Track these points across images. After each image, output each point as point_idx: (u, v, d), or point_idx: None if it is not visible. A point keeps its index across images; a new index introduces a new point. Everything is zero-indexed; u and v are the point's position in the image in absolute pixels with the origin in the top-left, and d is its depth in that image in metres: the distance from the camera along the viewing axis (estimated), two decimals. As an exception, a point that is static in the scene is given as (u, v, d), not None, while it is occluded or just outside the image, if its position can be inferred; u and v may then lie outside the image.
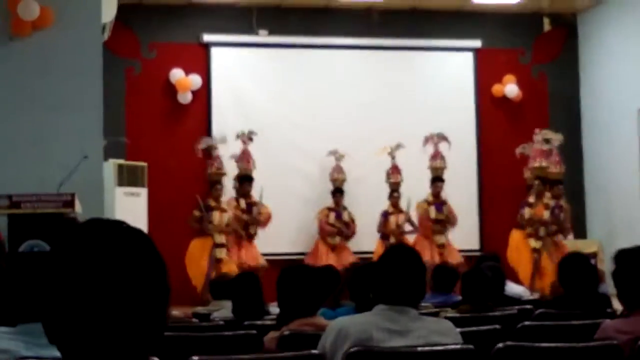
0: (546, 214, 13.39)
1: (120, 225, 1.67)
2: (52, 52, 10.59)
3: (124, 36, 13.68)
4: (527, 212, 13.46)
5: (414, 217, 13.66)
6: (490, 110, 15.19)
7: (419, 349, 3.58)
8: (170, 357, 3.20)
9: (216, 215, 12.92)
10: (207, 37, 14.39)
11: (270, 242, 13.53)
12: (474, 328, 4.55)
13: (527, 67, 15.46)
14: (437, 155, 13.77)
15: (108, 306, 1.58)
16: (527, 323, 4.68)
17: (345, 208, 13.87)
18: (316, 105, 14.50)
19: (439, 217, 13.47)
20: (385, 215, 13.65)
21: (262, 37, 14.50)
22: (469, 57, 15.34)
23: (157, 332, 1.64)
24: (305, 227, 14.01)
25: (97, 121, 10.71)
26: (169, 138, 13.72)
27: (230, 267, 12.60)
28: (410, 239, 13.53)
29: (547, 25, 15.57)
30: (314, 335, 3.99)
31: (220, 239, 12.92)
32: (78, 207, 8.90)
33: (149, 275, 1.63)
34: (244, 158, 13.40)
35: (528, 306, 6.06)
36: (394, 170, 13.81)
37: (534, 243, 13.35)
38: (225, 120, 14.13)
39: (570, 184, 14.14)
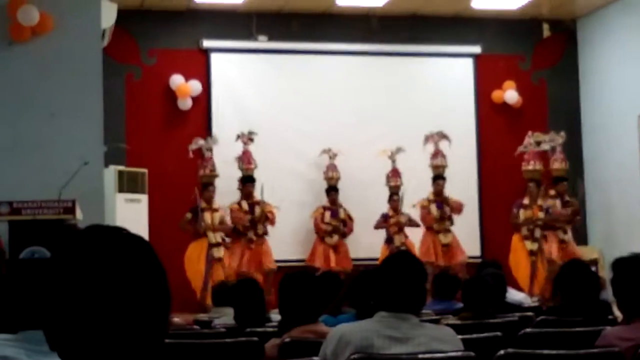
0: (541, 216, 13.41)
1: (120, 232, 1.67)
2: (52, 58, 10.60)
3: (123, 42, 13.69)
4: (522, 214, 13.48)
5: (416, 215, 13.65)
6: (490, 116, 15.19)
7: (420, 356, 3.58)
8: (171, 365, 3.19)
9: (207, 216, 12.90)
10: (207, 43, 14.40)
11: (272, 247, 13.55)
12: (475, 335, 4.54)
13: (527, 73, 15.46)
14: (437, 154, 13.80)
15: (109, 313, 1.57)
16: (528, 330, 4.67)
17: (341, 206, 13.86)
18: (316, 111, 14.50)
19: (440, 215, 13.49)
20: (385, 217, 13.65)
21: (262, 43, 14.51)
22: (468, 63, 15.34)
23: (158, 339, 1.64)
24: (305, 231, 14.00)
25: (97, 127, 10.71)
26: (169, 144, 13.71)
27: (231, 269, 12.64)
28: (414, 233, 13.51)
29: (546, 31, 15.57)
30: (315, 342, 3.99)
31: (216, 238, 12.91)
32: (78, 213, 8.91)
33: (149, 282, 1.62)
34: (245, 159, 13.41)
35: (529, 313, 6.06)
36: (394, 173, 13.82)
37: (530, 245, 13.37)
38: (225, 126, 14.13)
39: (570, 190, 14.13)
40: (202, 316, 7.49)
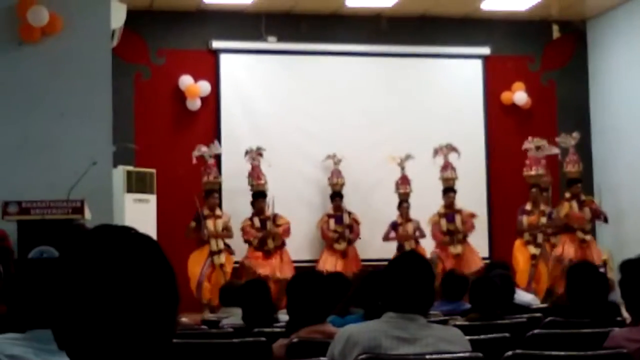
0: (543, 221, 13.40)
1: (129, 232, 1.67)
2: (62, 58, 10.61)
3: (133, 42, 13.71)
4: (525, 219, 13.48)
5: (426, 228, 13.62)
6: (499, 118, 15.17)
7: (428, 356, 3.58)
8: (179, 364, 3.20)
9: (210, 223, 12.88)
10: (216, 44, 14.41)
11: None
12: (483, 336, 4.54)
13: (537, 75, 15.44)
14: (447, 167, 13.72)
15: (117, 312, 1.58)
16: (536, 331, 4.67)
17: (345, 210, 13.84)
18: (324, 112, 14.50)
19: (450, 228, 13.43)
20: (395, 225, 13.62)
21: (271, 43, 14.51)
22: (478, 64, 15.33)
23: (166, 338, 1.64)
24: (315, 233, 14.00)
25: (106, 127, 10.72)
26: (178, 144, 13.72)
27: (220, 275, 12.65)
28: (424, 246, 13.49)
29: (556, 32, 15.54)
30: (323, 342, 3.99)
31: (218, 245, 12.88)
32: (87, 213, 8.92)
33: (157, 281, 1.63)
34: (255, 174, 13.37)
35: (537, 314, 6.05)
36: (403, 180, 13.77)
37: (532, 249, 13.36)
38: (234, 127, 14.15)
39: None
40: (210, 316, 7.51)
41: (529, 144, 13.84)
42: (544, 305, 7.89)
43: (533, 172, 13.66)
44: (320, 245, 13.92)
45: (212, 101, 14.36)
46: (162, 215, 12.89)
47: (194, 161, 13.17)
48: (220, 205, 13.69)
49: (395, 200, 13.75)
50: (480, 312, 5.70)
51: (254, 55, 14.62)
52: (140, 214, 12.31)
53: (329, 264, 13.36)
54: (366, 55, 14.91)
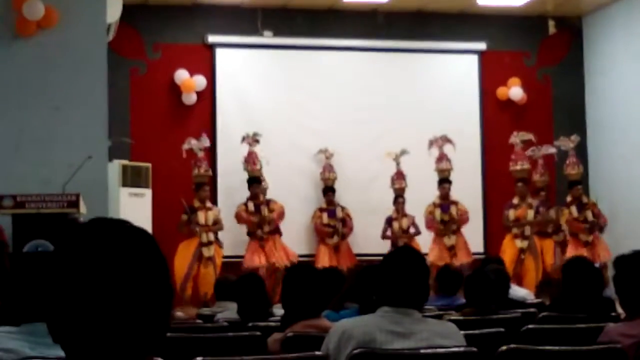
0: (530, 214, 13.48)
1: (124, 225, 1.67)
2: (57, 52, 10.60)
3: (128, 37, 13.68)
4: (511, 213, 13.55)
5: (421, 219, 13.67)
6: (494, 113, 15.18)
7: (422, 351, 3.58)
8: (174, 358, 3.20)
9: (201, 216, 12.88)
10: (212, 38, 14.39)
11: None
12: (478, 331, 4.54)
13: (532, 70, 15.44)
14: (442, 158, 13.77)
15: (111, 306, 1.58)
16: (531, 326, 4.67)
17: (338, 205, 13.87)
18: (320, 106, 14.49)
19: (444, 218, 13.49)
20: (389, 221, 13.65)
21: (267, 38, 14.50)
22: (473, 59, 15.33)
23: (161, 332, 1.64)
24: (310, 227, 14.01)
25: (101, 121, 10.73)
26: (174, 139, 13.69)
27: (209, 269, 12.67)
28: (419, 242, 13.52)
29: (552, 28, 15.54)
30: (318, 337, 3.99)
31: (208, 237, 12.88)
32: (82, 207, 8.93)
33: (152, 275, 1.63)
34: (250, 160, 13.39)
35: (532, 309, 6.06)
36: (399, 176, 13.79)
37: (520, 243, 13.41)
38: (230, 122, 14.14)
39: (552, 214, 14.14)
40: (205, 310, 7.50)
41: (515, 138, 13.93)
42: (539, 300, 7.89)
43: (518, 167, 13.77)
44: (313, 239, 13.93)
45: (208, 95, 14.34)
46: (157, 209, 12.89)
47: (184, 155, 13.14)
48: (216, 200, 13.72)
49: (390, 195, 13.76)
50: (475, 306, 5.71)
51: (250, 49, 14.60)
52: (135, 208, 12.31)
53: (325, 258, 13.38)
54: (362, 50, 14.90)
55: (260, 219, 13.09)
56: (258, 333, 4.54)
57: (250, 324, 5.14)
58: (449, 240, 13.43)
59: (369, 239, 13.85)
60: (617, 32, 14.62)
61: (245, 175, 13.40)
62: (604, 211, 13.66)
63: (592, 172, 14.90)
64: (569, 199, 13.62)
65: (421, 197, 13.59)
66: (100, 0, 10.98)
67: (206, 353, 3.48)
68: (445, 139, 13.82)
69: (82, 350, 1.60)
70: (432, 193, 13.68)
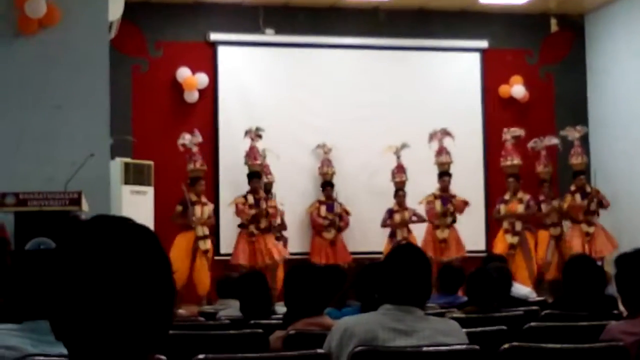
0: (520, 208, 13.52)
1: (126, 222, 1.67)
2: (59, 50, 10.60)
3: (130, 34, 13.69)
4: (502, 208, 13.60)
5: (422, 210, 13.71)
6: (497, 111, 15.18)
7: (425, 349, 3.58)
8: (176, 356, 3.19)
9: (197, 210, 12.90)
10: (214, 36, 14.40)
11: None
12: (480, 329, 4.54)
13: (535, 68, 15.44)
14: (442, 151, 13.84)
15: (113, 303, 1.57)
16: (533, 324, 4.67)
17: (336, 200, 13.90)
18: (322, 104, 14.51)
19: (444, 210, 13.54)
20: (390, 213, 13.69)
21: (269, 36, 14.51)
22: (475, 57, 15.33)
23: (163, 329, 1.64)
24: (308, 226, 14.04)
25: (103, 119, 10.73)
26: (176, 136, 13.68)
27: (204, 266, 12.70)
28: (418, 228, 13.55)
29: (554, 26, 15.55)
30: (320, 334, 3.99)
31: (203, 231, 12.91)
32: (84, 205, 8.93)
33: (154, 272, 1.62)
34: (251, 154, 13.41)
35: (534, 307, 6.05)
36: (399, 169, 13.86)
37: (510, 239, 13.45)
38: (232, 119, 14.15)
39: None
40: (207, 308, 7.50)
41: (506, 134, 13.99)
42: (541, 298, 7.89)
43: (508, 162, 13.90)
44: (310, 235, 13.96)
45: (210, 93, 14.35)
46: (160, 207, 12.89)
47: (181, 149, 13.16)
48: (218, 196, 13.77)
49: (391, 191, 13.79)
50: (477, 304, 5.70)
51: (252, 47, 14.61)
52: (137, 205, 12.32)
53: (319, 252, 13.42)
54: (364, 48, 14.91)
55: (259, 211, 13.10)
56: (260, 331, 4.54)
57: (252, 322, 5.14)
58: (442, 234, 13.48)
59: (367, 234, 13.91)
60: (619, 30, 14.62)
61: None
62: (605, 210, 13.69)
63: (594, 167, 14.86)
64: (572, 188, 13.68)
65: (422, 192, 13.65)
66: (103, -2, 10.99)
67: (208, 350, 3.48)
68: (445, 132, 13.88)
69: (85, 348, 1.60)
70: (433, 187, 13.75)
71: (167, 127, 13.99)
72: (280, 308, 5.44)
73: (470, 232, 13.90)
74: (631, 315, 4.04)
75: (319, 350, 3.68)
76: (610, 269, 11.58)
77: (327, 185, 13.95)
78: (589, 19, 15.42)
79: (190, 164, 13.09)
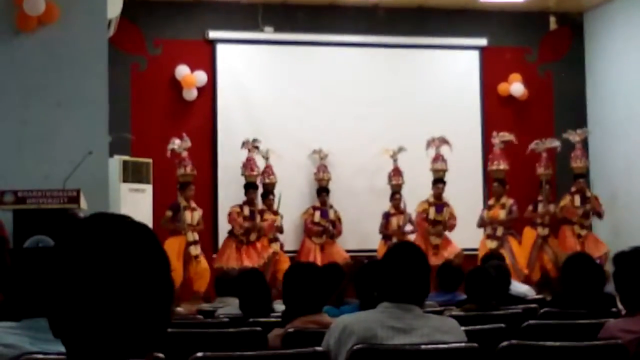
0: (502, 214, 13.55)
1: (125, 220, 1.67)
2: (58, 48, 10.59)
3: (129, 32, 13.68)
4: (485, 214, 13.68)
5: (414, 216, 13.71)
6: (496, 109, 15.18)
7: (423, 347, 3.58)
8: (174, 354, 3.20)
9: (187, 215, 12.87)
10: (213, 34, 14.39)
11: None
12: (479, 327, 4.55)
13: (534, 66, 15.44)
14: (438, 158, 13.83)
15: (112, 301, 1.57)
16: (531, 322, 4.67)
17: (331, 206, 13.90)
18: (321, 102, 14.50)
19: (437, 219, 13.56)
20: (387, 216, 13.71)
21: (268, 34, 14.50)
22: (474, 55, 15.32)
23: (161, 327, 1.64)
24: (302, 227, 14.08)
25: (102, 117, 10.71)
26: (174, 134, 13.68)
27: (204, 264, 12.73)
28: (411, 238, 13.56)
29: (553, 24, 15.54)
30: (318, 332, 3.99)
31: (194, 236, 12.89)
32: (83, 203, 8.92)
33: (152, 270, 1.63)
34: (248, 165, 13.39)
35: (533, 305, 6.06)
36: (396, 172, 13.87)
37: (489, 244, 13.45)
38: (231, 117, 14.15)
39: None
40: (206, 306, 7.50)
41: (495, 139, 14.00)
42: (540, 296, 7.90)
43: (494, 167, 13.86)
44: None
45: (209, 91, 14.34)
46: (158, 205, 12.89)
47: (169, 155, 13.08)
48: (216, 195, 13.78)
49: (388, 191, 13.81)
50: (476, 303, 5.71)
51: (251, 45, 14.59)
52: (136, 203, 12.32)
53: (307, 255, 13.41)
54: (363, 46, 14.89)
55: (252, 226, 13.10)
56: (259, 329, 4.54)
57: (250, 320, 5.14)
58: (435, 240, 13.51)
59: (366, 233, 13.92)
60: (618, 28, 14.62)
61: (246, 170, 13.46)
62: (605, 205, 13.73)
63: (593, 166, 14.89)
64: (572, 189, 13.69)
65: (419, 194, 13.68)
66: (101, -5, 10.98)
67: (207, 349, 3.48)
68: (443, 140, 13.86)
69: (83, 346, 1.60)
70: (430, 188, 13.74)
71: (165, 125, 13.99)
72: (279, 306, 5.45)
73: (470, 231, 13.86)
74: (629, 313, 4.04)
75: (318, 348, 3.69)
76: (608, 267, 11.61)
77: (322, 191, 13.94)
78: (588, 17, 15.42)
79: (181, 168, 13.02)
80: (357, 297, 5.45)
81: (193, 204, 12.99)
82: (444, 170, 13.77)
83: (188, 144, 13.15)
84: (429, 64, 15.12)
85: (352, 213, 14.07)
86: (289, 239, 13.84)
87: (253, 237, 13.16)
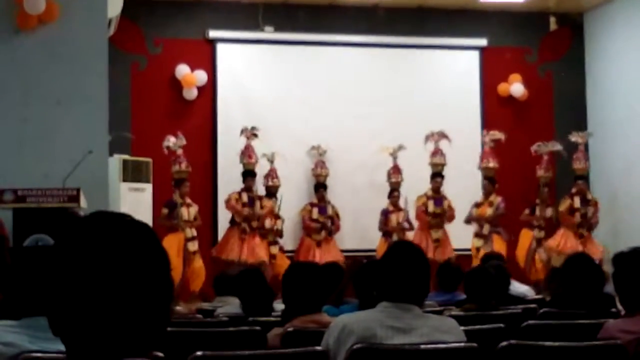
0: (489, 211, 13.58)
1: (124, 218, 1.67)
2: (58, 47, 10.58)
3: (129, 31, 13.68)
4: (474, 211, 13.69)
5: (413, 211, 13.72)
6: (496, 110, 15.18)
7: (423, 346, 3.58)
8: (174, 353, 3.20)
9: (184, 211, 12.89)
10: (213, 33, 14.39)
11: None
12: (478, 327, 4.55)
13: (534, 66, 15.44)
14: (437, 152, 13.88)
15: (111, 299, 1.57)
16: (531, 322, 4.67)
17: (329, 202, 13.90)
18: (321, 102, 14.51)
19: (437, 211, 13.60)
20: (386, 213, 13.74)
21: (268, 33, 14.50)
22: (474, 55, 15.32)
23: (160, 326, 1.64)
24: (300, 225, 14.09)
25: (102, 116, 10.71)
26: (174, 134, 13.70)
27: (199, 262, 12.74)
28: (410, 235, 13.59)
29: (553, 24, 15.55)
30: (318, 332, 3.99)
31: (192, 232, 12.91)
32: (83, 202, 8.93)
33: (152, 269, 1.62)
34: (247, 153, 13.41)
35: (532, 305, 6.06)
36: (395, 170, 13.91)
37: (476, 242, 13.47)
38: (231, 117, 14.14)
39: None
40: (205, 305, 7.50)
41: (485, 137, 14.03)
42: (539, 296, 7.90)
43: (484, 165, 13.94)
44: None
45: (209, 91, 14.34)
46: (158, 204, 12.89)
47: (165, 152, 13.10)
48: (216, 194, 13.81)
49: (387, 188, 13.84)
50: (476, 302, 5.71)
51: (251, 45, 14.60)
52: (136, 203, 12.32)
53: (305, 252, 13.43)
54: (363, 46, 14.90)
55: (251, 213, 13.12)
56: (258, 328, 4.54)
57: (250, 319, 5.15)
58: (436, 234, 13.52)
59: (364, 231, 13.93)
60: (618, 28, 14.62)
61: (245, 170, 13.46)
62: (604, 206, 13.73)
63: (592, 166, 14.89)
64: (573, 190, 13.68)
65: (418, 191, 13.69)
66: (102, -6, 10.97)
67: (206, 348, 3.48)
68: (442, 135, 13.91)
69: (82, 344, 1.60)
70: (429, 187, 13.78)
71: (165, 124, 13.98)
72: (279, 305, 5.45)
73: (469, 231, 13.86)
74: (629, 313, 4.04)
75: (317, 348, 3.69)
76: (609, 267, 11.60)
77: (320, 187, 13.97)
78: (588, 17, 15.42)
79: (175, 165, 13.03)
80: (357, 296, 5.45)
81: (188, 200, 13.01)
82: (443, 165, 13.81)
83: (183, 141, 13.16)
84: (429, 64, 15.13)
85: (351, 209, 14.09)
86: (288, 237, 13.84)
87: (254, 224, 13.17)
